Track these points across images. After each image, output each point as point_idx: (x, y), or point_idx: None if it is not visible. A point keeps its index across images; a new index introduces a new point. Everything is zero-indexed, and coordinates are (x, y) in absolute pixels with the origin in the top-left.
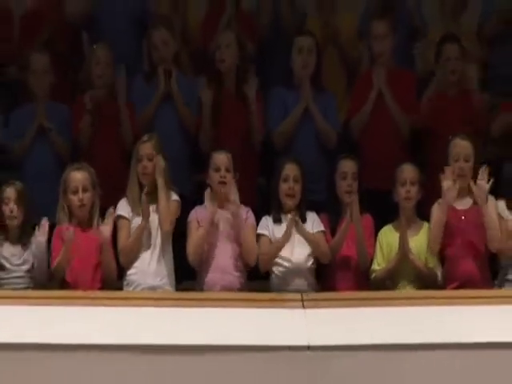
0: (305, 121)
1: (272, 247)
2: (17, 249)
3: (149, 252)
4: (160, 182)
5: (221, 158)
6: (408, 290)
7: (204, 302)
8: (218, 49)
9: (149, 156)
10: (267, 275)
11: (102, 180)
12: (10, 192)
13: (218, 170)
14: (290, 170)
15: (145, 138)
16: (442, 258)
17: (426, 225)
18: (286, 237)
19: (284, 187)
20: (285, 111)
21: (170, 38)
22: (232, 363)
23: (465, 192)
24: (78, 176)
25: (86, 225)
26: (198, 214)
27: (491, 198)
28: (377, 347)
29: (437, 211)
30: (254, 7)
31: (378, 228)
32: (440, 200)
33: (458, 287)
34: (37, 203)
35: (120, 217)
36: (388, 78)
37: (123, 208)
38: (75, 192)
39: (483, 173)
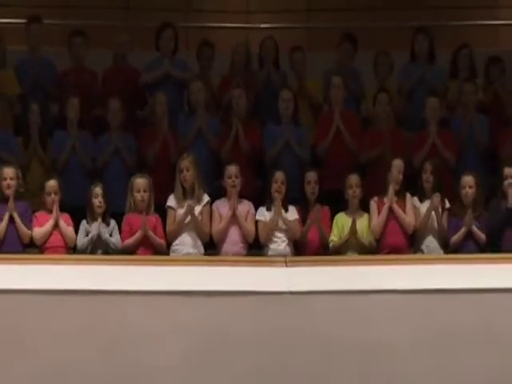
0: (286, 146)
1: (266, 228)
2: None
3: (186, 231)
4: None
5: (231, 169)
6: (354, 255)
7: (220, 263)
8: (234, 98)
9: (187, 168)
10: (262, 245)
11: (156, 184)
12: (99, 190)
13: (230, 177)
14: (278, 175)
15: (184, 156)
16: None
17: (365, 214)
18: (274, 220)
19: (274, 186)
20: (274, 139)
21: (202, 89)
22: (235, 303)
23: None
24: (140, 181)
25: (145, 213)
26: (217, 206)
27: (409, 196)
28: (336, 292)
29: (375, 208)
30: (256, 69)
31: (333, 214)
32: (375, 197)
33: (387, 253)
34: (113, 198)
35: (169, 207)
36: (341, 116)
37: (171, 201)
38: (138, 191)
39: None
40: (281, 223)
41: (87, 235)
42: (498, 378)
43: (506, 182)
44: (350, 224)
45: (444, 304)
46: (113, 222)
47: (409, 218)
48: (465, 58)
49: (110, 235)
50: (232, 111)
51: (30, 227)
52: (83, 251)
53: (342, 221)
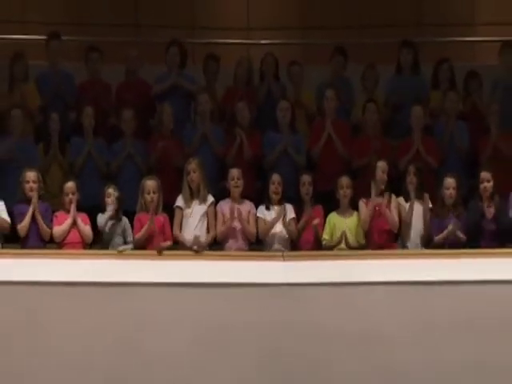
0: (284, 151)
1: (266, 226)
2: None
3: (192, 229)
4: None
5: (234, 172)
6: (346, 251)
7: (224, 258)
8: (238, 111)
9: (194, 170)
10: (262, 241)
11: (164, 185)
12: (112, 191)
13: (233, 179)
14: (276, 177)
15: (191, 159)
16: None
17: (355, 212)
18: (275, 220)
19: (272, 188)
20: (273, 145)
21: (208, 100)
22: (237, 294)
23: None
24: (149, 183)
25: (153, 212)
26: (221, 206)
27: (394, 196)
28: (329, 284)
29: (364, 207)
30: (258, 82)
31: (327, 212)
32: (363, 198)
33: (375, 249)
34: (125, 198)
35: (177, 207)
36: (332, 125)
37: (179, 202)
38: (148, 193)
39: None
40: (280, 227)
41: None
42: (475, 363)
43: (481, 186)
44: (341, 223)
45: (426, 295)
46: (124, 219)
47: (393, 215)
48: (445, 71)
49: (123, 231)
50: (236, 122)
51: (50, 225)
52: (103, 231)
53: (334, 220)
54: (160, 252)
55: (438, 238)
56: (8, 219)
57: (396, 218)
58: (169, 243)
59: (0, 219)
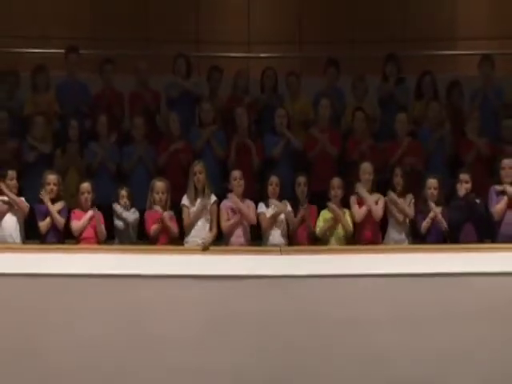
0: (283, 154)
1: (268, 221)
2: None
3: (200, 225)
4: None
5: (236, 173)
6: (336, 245)
7: (227, 252)
8: (237, 116)
9: (200, 171)
10: (261, 237)
11: (172, 185)
12: (125, 192)
13: (235, 179)
14: (273, 179)
15: (196, 162)
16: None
17: (346, 210)
18: (275, 217)
19: (270, 188)
20: (271, 146)
21: (211, 109)
22: (238, 285)
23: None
24: (159, 184)
25: (162, 212)
26: (225, 204)
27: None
28: (322, 276)
29: (355, 201)
30: (258, 94)
31: (319, 211)
32: (352, 197)
33: (364, 244)
34: (136, 197)
35: (183, 205)
36: (325, 131)
37: (185, 200)
38: (157, 193)
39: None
40: (282, 216)
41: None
42: (451, 348)
43: (458, 185)
44: (332, 221)
45: (408, 286)
46: (135, 211)
47: (379, 210)
48: (428, 82)
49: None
50: (235, 125)
51: (67, 223)
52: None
53: (326, 216)
54: (206, 248)
55: (423, 224)
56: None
57: (380, 212)
58: (210, 240)
59: (20, 201)
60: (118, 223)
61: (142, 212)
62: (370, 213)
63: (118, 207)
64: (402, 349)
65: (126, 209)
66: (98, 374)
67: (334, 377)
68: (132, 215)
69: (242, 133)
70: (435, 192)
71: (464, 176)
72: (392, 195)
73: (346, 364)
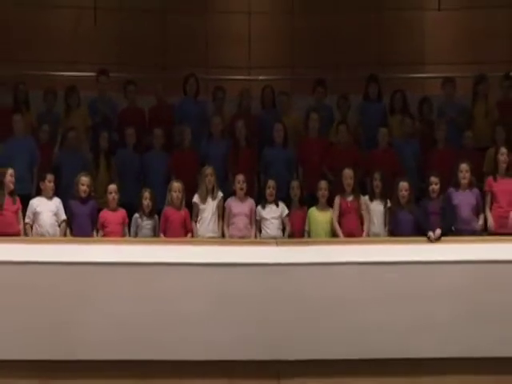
0: (280, 162)
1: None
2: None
3: (207, 220)
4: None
5: (240, 176)
6: (323, 238)
7: (229, 243)
8: (237, 129)
9: (210, 174)
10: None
11: (186, 186)
12: (148, 194)
13: (238, 182)
14: (271, 183)
15: (207, 166)
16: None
17: (330, 209)
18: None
19: (268, 191)
20: (270, 157)
21: (220, 121)
22: (240, 272)
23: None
24: (175, 184)
25: (178, 208)
26: (228, 203)
27: (362, 196)
28: (312, 264)
29: (338, 203)
30: (258, 110)
31: (309, 207)
32: (338, 196)
33: (347, 236)
34: (158, 197)
35: (194, 203)
36: (314, 142)
37: (196, 199)
38: (175, 191)
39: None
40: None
41: (137, 226)
42: (422, 323)
43: (430, 187)
44: (318, 216)
45: (385, 271)
46: (156, 217)
47: (363, 211)
48: (398, 99)
49: (155, 227)
50: (235, 137)
51: (96, 219)
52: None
53: (314, 213)
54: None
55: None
56: (63, 216)
57: (365, 213)
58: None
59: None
60: (139, 232)
61: (160, 210)
62: (353, 210)
63: (138, 219)
64: (378, 323)
65: (146, 215)
66: (125, 346)
67: (321, 346)
68: (151, 223)
69: (242, 142)
70: (405, 193)
71: (434, 179)
72: (364, 199)
73: (331, 335)
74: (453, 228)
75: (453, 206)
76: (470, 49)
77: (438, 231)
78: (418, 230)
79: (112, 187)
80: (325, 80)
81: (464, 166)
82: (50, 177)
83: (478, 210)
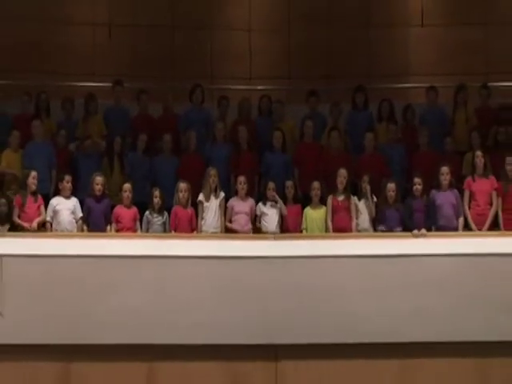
0: (279, 165)
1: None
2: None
3: (211, 217)
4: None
5: (241, 178)
6: (318, 233)
7: (231, 238)
8: (239, 134)
9: (214, 175)
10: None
11: (192, 186)
12: (158, 193)
13: (240, 183)
14: (271, 184)
15: (211, 168)
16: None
17: (323, 206)
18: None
19: (268, 192)
20: (269, 161)
21: (223, 127)
22: (242, 263)
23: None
24: (182, 185)
25: (184, 207)
26: (231, 202)
27: (352, 196)
28: (307, 256)
29: (330, 202)
30: (256, 117)
31: (304, 207)
32: (330, 195)
33: (338, 231)
34: (166, 196)
35: (200, 201)
36: (308, 147)
37: (201, 197)
38: (181, 191)
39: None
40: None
41: (148, 222)
42: (409, 310)
43: (414, 187)
44: (312, 214)
45: (372, 263)
46: (166, 214)
47: (353, 210)
48: (385, 107)
49: (164, 223)
50: (237, 140)
51: (110, 215)
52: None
53: (308, 212)
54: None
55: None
56: (80, 214)
57: (353, 211)
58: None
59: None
60: (150, 228)
61: (168, 208)
62: (344, 208)
63: (148, 216)
64: (368, 310)
65: (156, 212)
66: (139, 327)
67: (315, 331)
68: (161, 219)
69: (243, 146)
70: (392, 194)
71: (417, 180)
72: (354, 199)
73: (325, 321)
74: (436, 225)
75: (436, 205)
76: (451, 61)
77: (423, 230)
78: (404, 226)
79: (126, 186)
80: (317, 90)
81: (445, 169)
82: (67, 178)
83: (458, 208)
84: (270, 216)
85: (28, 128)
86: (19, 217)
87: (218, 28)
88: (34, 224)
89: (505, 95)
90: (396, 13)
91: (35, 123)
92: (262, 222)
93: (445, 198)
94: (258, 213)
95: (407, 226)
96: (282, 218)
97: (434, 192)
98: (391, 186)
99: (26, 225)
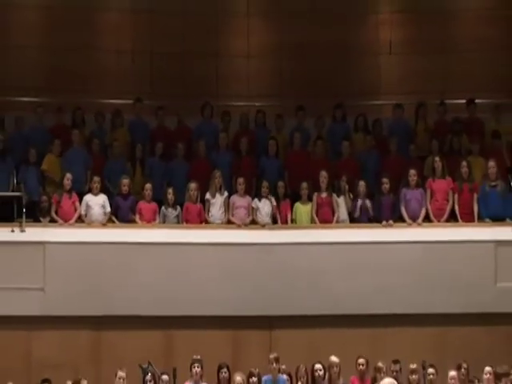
0: (273, 169)
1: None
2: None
3: (216, 211)
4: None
5: (240, 179)
6: (305, 224)
7: (233, 228)
8: (241, 143)
9: (219, 176)
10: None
11: (201, 186)
12: (171, 191)
13: (239, 184)
14: (265, 183)
15: (216, 171)
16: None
17: (310, 202)
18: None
19: (263, 190)
20: (265, 165)
21: (226, 137)
22: (241, 249)
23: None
24: (192, 185)
25: (194, 203)
26: (232, 199)
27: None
28: (295, 243)
29: (315, 199)
30: (253, 126)
31: (293, 204)
32: (315, 193)
33: (322, 223)
34: (179, 194)
35: (207, 199)
36: (297, 153)
37: (208, 195)
38: (192, 190)
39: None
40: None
41: (164, 215)
42: (379, 287)
43: (382, 186)
44: (301, 208)
45: (351, 249)
46: (179, 208)
47: (334, 204)
48: (360, 121)
49: (178, 216)
50: (239, 149)
51: (135, 210)
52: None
53: (298, 207)
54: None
55: (357, 210)
56: (108, 209)
57: (335, 206)
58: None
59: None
60: (166, 220)
61: (181, 203)
62: (327, 204)
63: (164, 210)
64: (345, 288)
65: (170, 206)
66: (158, 301)
67: (302, 305)
68: (174, 212)
69: (243, 153)
70: (365, 190)
71: (385, 180)
72: (334, 196)
73: (310, 297)
74: (403, 216)
75: (405, 200)
76: (413, 83)
77: (391, 221)
78: (374, 218)
79: (148, 185)
80: (304, 106)
81: (413, 171)
82: (96, 178)
83: (422, 204)
84: (264, 209)
85: (65, 137)
86: (57, 211)
87: (222, 55)
88: (71, 221)
89: (458, 110)
90: (369, 43)
91: (74, 132)
92: (258, 215)
93: (413, 195)
94: (255, 206)
95: (376, 218)
96: (274, 211)
97: (404, 190)
98: (362, 183)
99: (60, 221)
